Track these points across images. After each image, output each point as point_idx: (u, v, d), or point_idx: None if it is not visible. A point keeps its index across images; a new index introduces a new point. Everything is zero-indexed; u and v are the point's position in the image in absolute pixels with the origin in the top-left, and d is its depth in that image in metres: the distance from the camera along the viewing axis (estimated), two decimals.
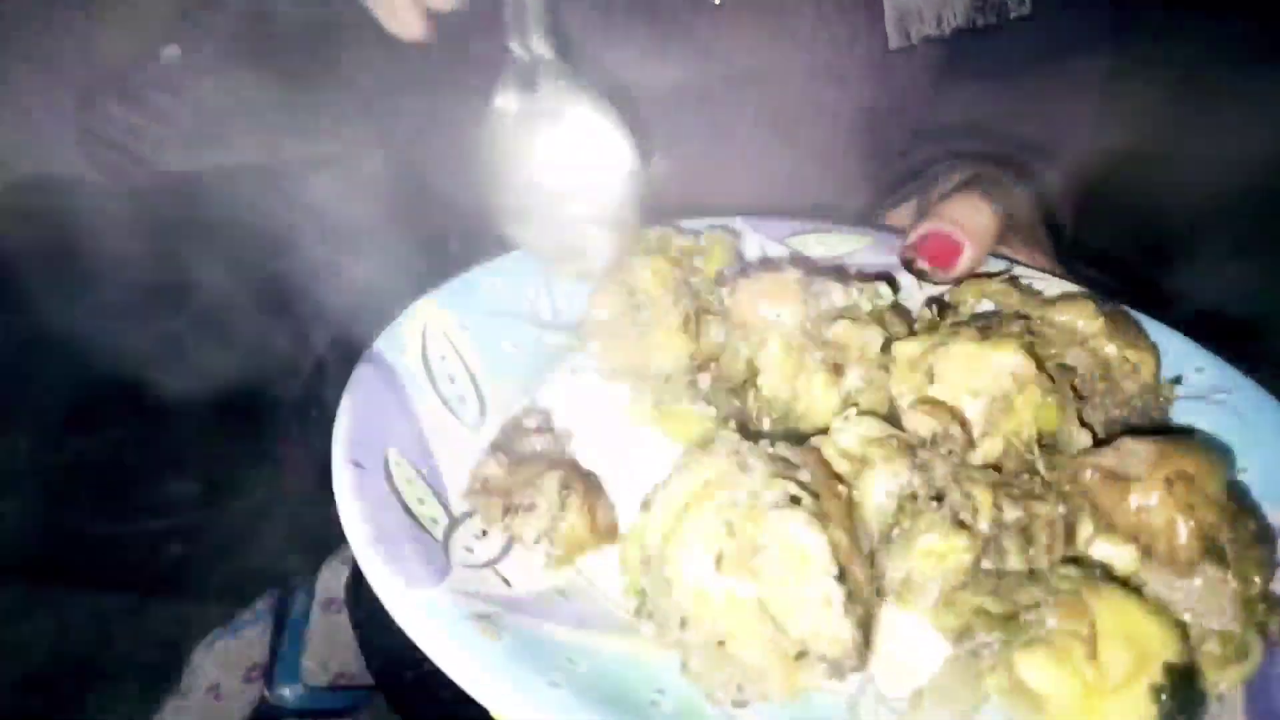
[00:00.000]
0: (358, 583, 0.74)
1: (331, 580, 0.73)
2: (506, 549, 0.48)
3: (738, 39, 0.85)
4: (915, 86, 0.96)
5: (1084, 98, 1.09)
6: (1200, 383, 0.62)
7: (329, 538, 0.77)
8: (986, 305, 0.62)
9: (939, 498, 0.44)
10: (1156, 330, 0.64)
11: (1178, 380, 0.61)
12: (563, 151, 0.59)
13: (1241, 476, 0.55)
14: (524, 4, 0.58)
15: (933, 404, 0.49)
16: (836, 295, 0.56)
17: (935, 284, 0.68)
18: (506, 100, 0.60)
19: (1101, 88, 1.09)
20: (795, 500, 0.39)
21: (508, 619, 0.42)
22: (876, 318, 0.56)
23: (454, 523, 0.48)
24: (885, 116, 0.96)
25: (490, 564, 0.47)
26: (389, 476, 0.48)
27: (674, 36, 0.84)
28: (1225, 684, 0.42)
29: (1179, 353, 0.63)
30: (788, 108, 0.90)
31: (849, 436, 0.47)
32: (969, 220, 0.67)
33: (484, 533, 0.48)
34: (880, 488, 0.44)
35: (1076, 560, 0.46)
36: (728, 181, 0.89)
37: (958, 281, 0.68)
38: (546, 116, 0.59)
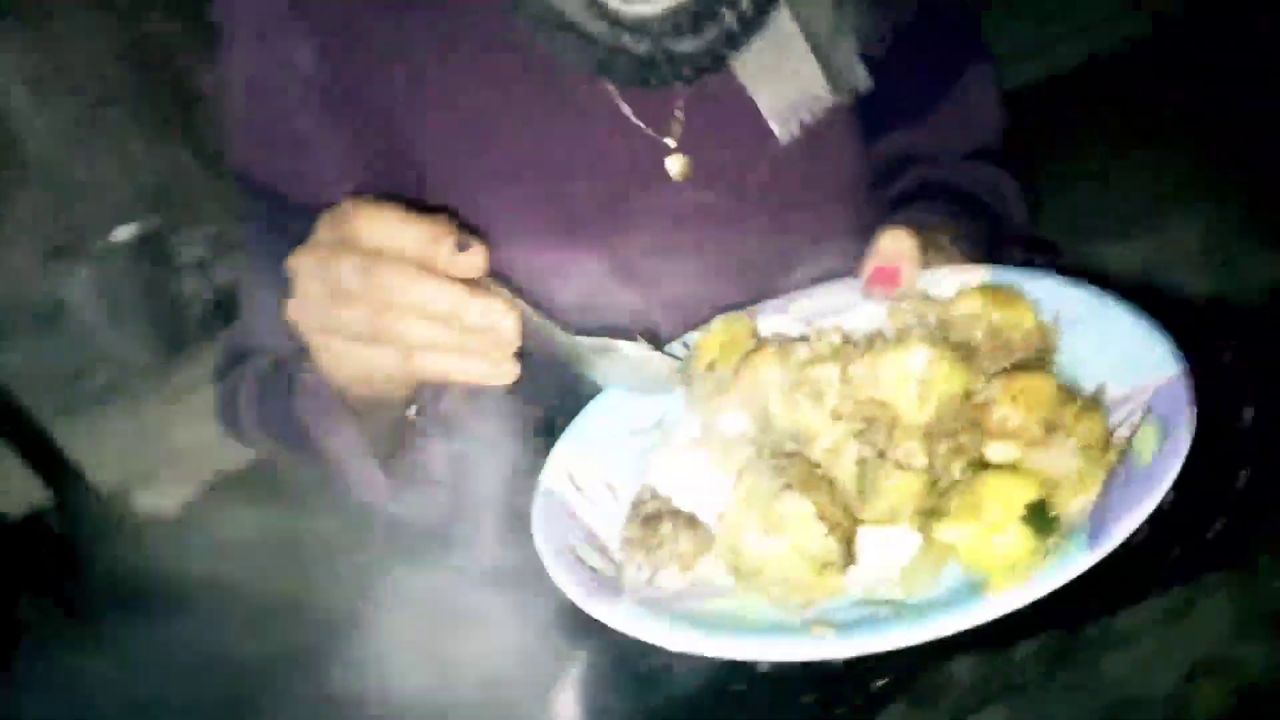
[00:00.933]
0: None
1: None
2: (655, 573, 0.79)
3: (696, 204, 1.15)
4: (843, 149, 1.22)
5: (988, 103, 1.33)
6: (1073, 310, 0.88)
7: None
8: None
9: (882, 454, 0.73)
10: (1034, 279, 0.90)
11: (1056, 317, 0.88)
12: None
13: (1105, 362, 0.81)
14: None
15: (869, 401, 0.78)
16: (802, 351, 0.85)
17: (896, 300, 0.97)
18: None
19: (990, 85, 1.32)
20: (789, 486, 0.69)
21: (667, 606, 0.73)
22: (834, 354, 0.85)
23: (619, 567, 0.80)
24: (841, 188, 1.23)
25: (648, 582, 0.78)
26: (578, 558, 0.80)
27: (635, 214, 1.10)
28: (1077, 505, 0.68)
29: (1052, 292, 0.89)
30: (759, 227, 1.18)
31: (827, 440, 0.77)
32: (896, 249, 0.96)
33: (639, 567, 0.79)
34: (846, 459, 0.74)
35: (983, 459, 0.74)
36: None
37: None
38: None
